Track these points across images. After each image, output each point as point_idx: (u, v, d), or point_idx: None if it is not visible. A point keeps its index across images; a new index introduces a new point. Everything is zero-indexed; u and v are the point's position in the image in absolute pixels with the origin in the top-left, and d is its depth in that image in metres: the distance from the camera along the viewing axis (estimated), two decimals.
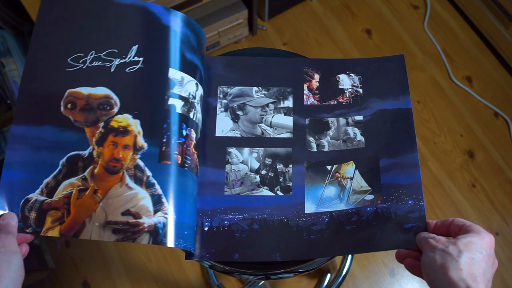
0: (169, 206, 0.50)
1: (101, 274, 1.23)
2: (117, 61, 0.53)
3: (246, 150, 0.61)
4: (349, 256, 1.15)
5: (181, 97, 0.54)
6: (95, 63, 0.53)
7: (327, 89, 0.65)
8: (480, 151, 1.37)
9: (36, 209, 0.49)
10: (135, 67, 0.53)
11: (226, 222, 0.57)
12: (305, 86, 0.65)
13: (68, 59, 0.53)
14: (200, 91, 0.56)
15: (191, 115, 0.54)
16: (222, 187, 0.59)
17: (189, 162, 0.52)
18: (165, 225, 0.49)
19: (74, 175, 0.50)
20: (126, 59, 0.53)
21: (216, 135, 0.61)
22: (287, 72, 0.66)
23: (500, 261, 1.23)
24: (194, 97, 0.55)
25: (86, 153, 0.51)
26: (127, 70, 0.53)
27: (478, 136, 1.40)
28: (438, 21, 1.56)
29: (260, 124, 0.63)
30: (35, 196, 0.50)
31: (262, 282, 1.13)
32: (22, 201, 0.50)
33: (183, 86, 0.54)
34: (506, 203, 1.30)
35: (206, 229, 0.56)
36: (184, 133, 0.53)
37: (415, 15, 1.57)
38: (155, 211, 0.49)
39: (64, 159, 0.51)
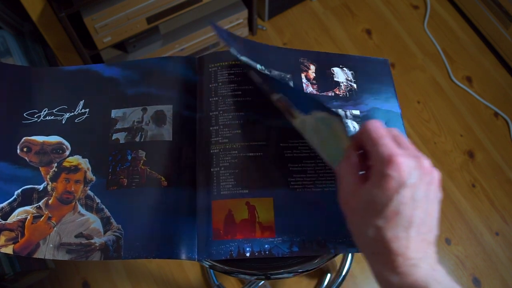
0: (118, 225, 0.55)
1: (101, 274, 1.23)
2: (67, 115, 0.61)
3: None
4: (349, 256, 1.15)
5: (124, 129, 0.60)
6: (48, 118, 0.61)
7: (324, 80, 0.65)
8: (480, 151, 1.37)
9: None
10: (82, 117, 0.61)
11: None
12: (303, 75, 0.65)
13: (24, 114, 0.61)
14: (152, 110, 0.61)
15: (136, 138, 0.59)
16: None
17: (137, 180, 0.57)
18: (114, 242, 0.54)
19: (29, 204, 0.56)
20: (75, 112, 0.61)
21: None
22: (285, 61, 0.66)
23: (500, 261, 1.23)
24: (141, 121, 0.60)
25: (41, 187, 0.57)
26: (76, 120, 0.61)
27: (478, 136, 1.39)
28: (438, 21, 1.56)
29: None
30: None
31: (262, 282, 1.13)
32: None
33: (126, 119, 0.60)
34: (506, 203, 1.30)
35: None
36: (129, 157, 0.58)
37: (415, 15, 1.57)
38: (105, 231, 0.55)
39: (19, 190, 0.57)
